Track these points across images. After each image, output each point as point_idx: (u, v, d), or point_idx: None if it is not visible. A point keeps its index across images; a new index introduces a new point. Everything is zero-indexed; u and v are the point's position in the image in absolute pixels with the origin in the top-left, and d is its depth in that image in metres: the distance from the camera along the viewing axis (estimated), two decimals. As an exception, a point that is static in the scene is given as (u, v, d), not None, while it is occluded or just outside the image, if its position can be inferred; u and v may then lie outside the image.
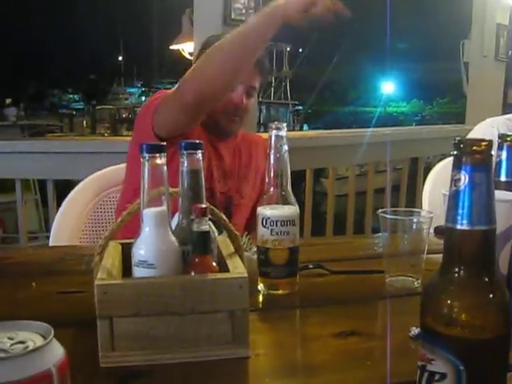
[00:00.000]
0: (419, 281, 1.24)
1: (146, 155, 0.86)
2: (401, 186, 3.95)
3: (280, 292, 1.19)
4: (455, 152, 0.59)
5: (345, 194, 3.76)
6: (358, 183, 3.84)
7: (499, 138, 1.10)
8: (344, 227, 3.60)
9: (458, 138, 0.59)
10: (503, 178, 1.09)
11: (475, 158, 0.58)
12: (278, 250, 1.16)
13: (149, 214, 0.88)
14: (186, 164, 0.92)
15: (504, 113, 4.31)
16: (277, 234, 1.15)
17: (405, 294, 1.20)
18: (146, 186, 0.88)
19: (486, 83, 4.64)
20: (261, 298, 1.19)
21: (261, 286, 1.20)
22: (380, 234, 1.30)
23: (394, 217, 1.23)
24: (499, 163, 1.10)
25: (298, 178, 3.36)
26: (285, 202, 1.18)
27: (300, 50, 29.64)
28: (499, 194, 1.03)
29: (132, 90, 43.07)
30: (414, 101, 39.06)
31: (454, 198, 0.58)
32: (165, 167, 0.87)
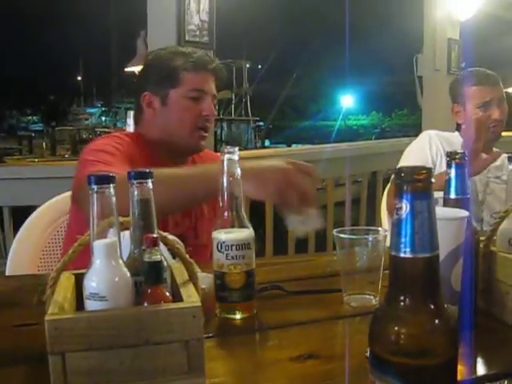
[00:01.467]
0: (377, 298, 1.25)
1: (95, 187, 0.85)
2: (361, 198, 4.00)
3: (238, 316, 1.18)
4: (396, 181, 0.60)
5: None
6: (319, 197, 3.87)
7: (447, 156, 1.12)
8: (306, 241, 3.62)
9: (398, 167, 0.60)
10: (453, 196, 1.11)
11: (415, 187, 0.59)
12: (234, 274, 1.16)
13: (99, 245, 0.87)
14: (135, 193, 0.91)
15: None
16: (232, 258, 1.15)
17: (362, 313, 1.20)
18: (96, 218, 0.87)
19: (439, 96, 4.73)
20: (218, 322, 1.18)
21: (218, 311, 1.19)
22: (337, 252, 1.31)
23: (349, 236, 1.24)
24: (448, 181, 1.11)
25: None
26: (239, 225, 1.18)
27: (259, 67, 29.88)
28: (449, 212, 1.05)
29: (92, 110, 42.66)
30: (373, 113, 39.65)
31: (396, 226, 0.59)
32: (114, 198, 0.87)
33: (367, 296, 1.25)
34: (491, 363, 1.02)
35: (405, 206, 0.58)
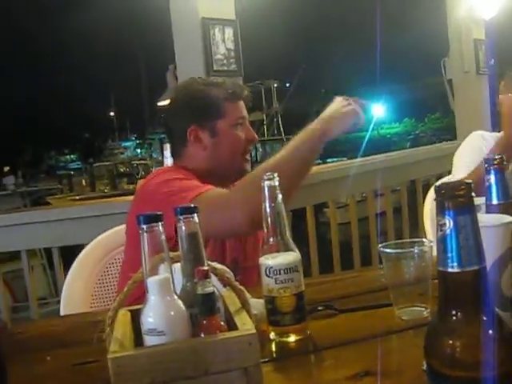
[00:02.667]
0: (428, 310, 1.24)
1: (144, 226, 0.88)
2: (402, 207, 3.98)
3: (291, 339, 1.20)
4: (437, 197, 0.61)
5: (348, 221, 3.78)
6: (360, 209, 3.86)
7: (485, 162, 1.12)
8: (351, 256, 3.61)
9: (438, 184, 0.61)
10: (495, 202, 1.11)
11: (457, 202, 0.60)
12: (284, 298, 1.17)
13: (153, 282, 0.90)
14: (183, 228, 0.94)
15: (494, 122, 4.37)
16: (281, 282, 1.17)
17: (415, 326, 1.20)
18: (147, 255, 0.90)
19: (471, 97, 4.71)
20: (274, 347, 1.20)
21: (272, 335, 1.21)
22: (384, 266, 1.31)
23: (395, 251, 1.25)
24: (489, 187, 1.12)
25: (300, 211, 3.39)
26: (285, 249, 1.19)
27: (287, 85, 29.98)
28: (493, 219, 1.05)
29: (127, 143, 43.38)
30: (406, 120, 39.28)
31: (441, 242, 0.60)
32: (163, 235, 0.90)
33: (418, 308, 1.25)
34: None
35: (448, 222, 0.59)
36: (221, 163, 1.83)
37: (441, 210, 0.60)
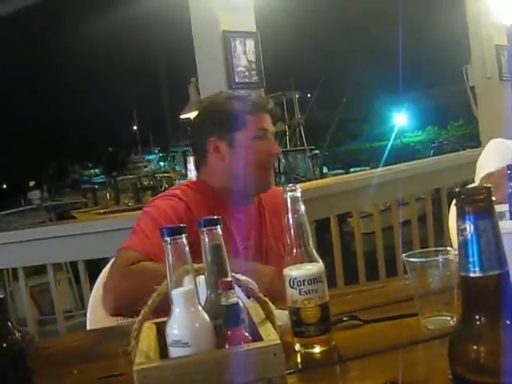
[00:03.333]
0: (454, 318, 1.23)
1: (168, 239, 0.90)
2: (426, 216, 3.95)
3: (316, 350, 1.19)
4: (456, 203, 0.61)
5: (372, 231, 3.76)
6: (384, 219, 3.84)
7: (508, 169, 1.11)
8: (376, 266, 3.58)
9: (457, 189, 0.61)
10: (518, 209, 1.10)
11: (477, 207, 0.60)
12: (308, 309, 1.17)
13: (178, 294, 0.91)
14: (206, 240, 0.95)
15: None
16: (305, 293, 1.17)
17: (441, 335, 1.19)
18: (172, 268, 0.91)
19: (494, 104, 4.66)
20: (299, 358, 1.20)
21: (297, 346, 1.21)
22: (409, 276, 1.31)
23: (419, 260, 1.24)
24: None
25: (324, 222, 3.39)
26: (309, 260, 1.20)
27: (308, 95, 30.01)
28: (517, 225, 1.04)
29: (150, 157, 43.72)
30: (429, 128, 39.02)
31: (463, 247, 0.60)
32: (187, 247, 0.91)
33: (444, 317, 1.24)
34: None
35: (469, 227, 0.59)
36: (239, 175, 1.84)
37: (461, 215, 0.60)
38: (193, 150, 2.00)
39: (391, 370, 1.08)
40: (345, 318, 1.35)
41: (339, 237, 3.46)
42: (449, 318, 1.24)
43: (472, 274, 0.60)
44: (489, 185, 0.61)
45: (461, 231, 0.60)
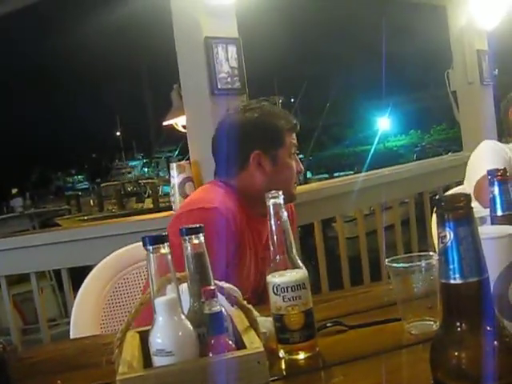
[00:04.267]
0: (438, 323, 1.23)
1: (150, 247, 0.89)
2: (410, 220, 3.97)
3: (301, 356, 1.19)
4: (437, 210, 0.61)
5: (357, 235, 3.77)
6: (368, 223, 3.86)
7: (489, 174, 1.12)
8: (361, 270, 3.59)
9: (437, 197, 0.61)
10: (499, 213, 1.11)
11: (457, 214, 0.60)
12: (292, 316, 1.17)
13: (160, 302, 0.91)
14: (189, 249, 0.95)
15: (500, 131, 4.38)
16: (289, 299, 1.17)
17: (425, 340, 1.20)
18: (154, 276, 0.90)
19: (475, 108, 4.71)
20: (283, 364, 1.20)
21: (281, 353, 1.21)
22: (392, 281, 1.31)
23: (402, 265, 1.25)
24: (493, 199, 1.12)
25: (308, 227, 3.39)
26: (292, 266, 1.20)
27: (292, 100, 30.12)
28: (498, 230, 1.05)
29: (134, 163, 43.56)
30: (412, 132, 39.26)
31: (443, 254, 0.61)
32: (169, 256, 0.90)
33: (427, 322, 1.25)
34: None
35: (449, 234, 0.60)
36: (275, 189, 1.86)
37: (441, 222, 0.61)
38: (223, 158, 1.98)
39: (375, 376, 1.08)
40: (329, 324, 1.35)
41: (323, 242, 3.46)
42: (432, 323, 1.24)
43: (452, 281, 0.60)
44: (469, 192, 0.62)
45: (441, 238, 0.61)
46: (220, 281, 1.26)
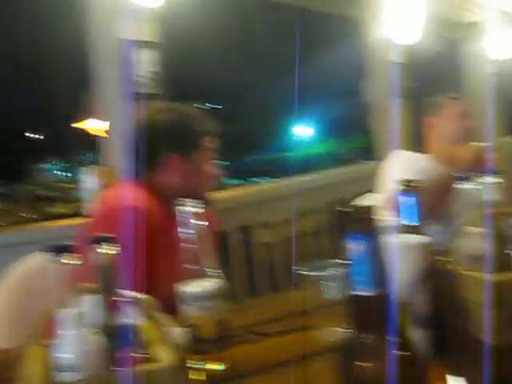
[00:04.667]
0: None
1: (54, 257, 0.85)
2: (324, 227, 4.02)
3: (215, 367, 1.17)
4: (343, 222, 0.61)
5: (274, 242, 3.78)
6: (286, 229, 3.89)
7: (398, 184, 1.14)
8: (278, 277, 3.61)
9: (341, 208, 0.61)
10: (408, 223, 1.13)
11: (361, 226, 0.60)
12: (205, 326, 1.15)
13: (64, 316, 0.86)
14: (98, 258, 0.91)
15: (415, 142, 4.54)
16: (202, 309, 1.15)
17: (339, 347, 1.20)
18: (58, 288, 0.86)
19: (389, 119, 4.84)
20: (195, 376, 1.17)
21: (195, 363, 1.18)
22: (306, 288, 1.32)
23: (314, 273, 1.25)
24: (402, 209, 1.14)
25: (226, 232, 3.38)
26: (206, 275, 1.18)
27: (214, 107, 30.13)
28: (409, 239, 1.08)
29: (48, 166, 42.23)
30: (331, 140, 40.14)
31: (349, 266, 0.60)
32: (75, 265, 0.86)
33: (340, 329, 1.25)
34: (467, 381, 1.03)
35: (353, 246, 0.59)
36: (189, 191, 1.83)
37: (347, 235, 0.60)
38: (139, 157, 1.89)
39: (289, 385, 1.08)
40: (243, 333, 1.34)
41: (243, 248, 3.46)
42: (344, 330, 1.25)
43: (358, 293, 0.60)
44: (373, 204, 0.61)
45: (346, 250, 0.61)
46: (134, 286, 1.23)
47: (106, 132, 2.99)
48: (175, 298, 1.78)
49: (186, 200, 1.18)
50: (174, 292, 1.80)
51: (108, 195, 1.95)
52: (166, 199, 1.82)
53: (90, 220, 1.79)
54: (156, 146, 1.87)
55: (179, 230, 1.18)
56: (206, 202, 1.87)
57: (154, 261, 1.74)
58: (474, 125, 2.58)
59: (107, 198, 1.91)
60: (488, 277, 1.14)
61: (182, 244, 1.18)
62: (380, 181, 2.56)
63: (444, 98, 2.64)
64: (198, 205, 1.19)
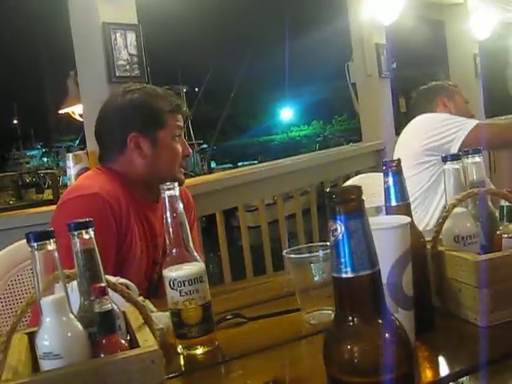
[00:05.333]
0: (336, 312, 1.25)
1: (34, 244, 0.84)
2: (311, 209, 4.04)
3: (199, 351, 1.17)
4: (327, 203, 0.60)
5: (259, 225, 3.79)
6: (271, 212, 3.89)
7: (383, 165, 1.14)
8: (263, 260, 3.61)
9: (328, 189, 0.61)
10: (394, 203, 1.13)
11: (348, 207, 0.59)
12: (190, 310, 1.15)
13: (47, 302, 0.85)
14: (78, 245, 0.90)
15: (397, 123, 4.60)
16: (186, 293, 1.14)
17: (323, 329, 1.20)
18: (40, 275, 0.85)
19: (374, 100, 4.85)
20: (181, 360, 1.17)
21: (180, 348, 1.18)
22: (290, 271, 1.32)
23: (298, 256, 1.25)
24: (387, 189, 1.13)
25: (213, 216, 3.37)
26: (189, 259, 1.17)
27: (196, 90, 30.00)
28: (393, 220, 1.07)
29: (32, 152, 41.87)
30: (314, 122, 40.03)
31: (334, 247, 0.60)
32: (56, 252, 0.85)
33: (326, 311, 1.26)
34: (453, 362, 1.04)
35: (339, 227, 0.59)
36: (157, 172, 1.81)
37: (332, 215, 0.60)
38: (103, 142, 1.91)
39: (274, 368, 1.08)
40: (228, 317, 1.34)
41: (229, 231, 3.45)
42: (330, 312, 1.25)
43: (344, 275, 0.60)
44: (360, 184, 0.61)
45: (332, 232, 0.60)
46: (112, 273, 1.22)
47: (87, 117, 2.96)
48: (154, 282, 1.79)
49: (172, 184, 1.17)
50: (153, 272, 1.80)
51: (76, 182, 1.92)
52: (136, 182, 1.81)
53: (57, 207, 1.77)
54: (119, 128, 1.83)
55: (165, 213, 1.16)
56: (181, 184, 1.85)
57: (129, 244, 1.73)
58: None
59: (74, 185, 1.88)
60: (475, 257, 1.15)
61: (166, 228, 1.17)
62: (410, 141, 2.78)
63: (452, 85, 3.04)
64: (174, 187, 1.17)
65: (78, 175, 2.77)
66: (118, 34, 2.81)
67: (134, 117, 1.83)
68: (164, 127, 1.82)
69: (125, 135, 1.80)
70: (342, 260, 0.59)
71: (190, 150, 1.93)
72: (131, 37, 2.87)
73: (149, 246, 1.80)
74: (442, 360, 1.07)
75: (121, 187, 1.76)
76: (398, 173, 1.13)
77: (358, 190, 0.60)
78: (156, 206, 1.83)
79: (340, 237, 0.59)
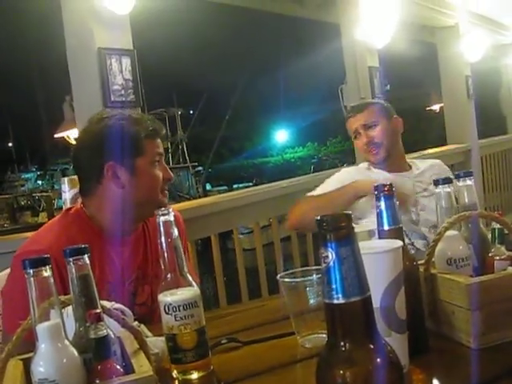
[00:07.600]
0: (330, 336, 1.25)
1: (30, 271, 0.84)
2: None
3: (194, 376, 1.17)
4: (319, 230, 0.61)
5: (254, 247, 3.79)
6: (266, 235, 3.89)
7: (375, 189, 1.15)
8: (259, 282, 3.61)
9: (318, 217, 0.62)
10: (386, 227, 1.14)
11: (338, 234, 0.61)
12: (185, 335, 1.15)
13: (42, 329, 0.86)
14: (73, 271, 0.90)
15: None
16: (181, 318, 1.15)
17: (318, 353, 1.21)
18: (35, 301, 0.85)
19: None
20: (176, 385, 1.17)
21: (175, 373, 1.18)
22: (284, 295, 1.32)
23: (293, 280, 1.26)
24: (380, 213, 1.15)
25: (208, 239, 3.37)
26: (184, 284, 1.18)
27: (191, 112, 30.12)
28: (385, 244, 1.08)
29: (27, 175, 41.83)
30: (309, 144, 40.13)
31: (325, 274, 0.61)
32: (51, 278, 0.86)
33: (321, 335, 1.26)
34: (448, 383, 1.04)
35: (330, 254, 0.60)
36: (137, 201, 1.74)
37: (323, 243, 0.61)
38: (81, 173, 1.84)
39: (269, 393, 1.08)
40: (223, 341, 1.34)
41: (224, 254, 3.46)
42: (325, 336, 1.25)
43: (335, 301, 0.61)
44: (349, 212, 0.62)
45: (323, 259, 0.61)
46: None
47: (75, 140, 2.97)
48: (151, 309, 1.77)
49: (166, 209, 1.18)
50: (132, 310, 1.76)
51: (36, 232, 1.87)
52: (114, 216, 1.74)
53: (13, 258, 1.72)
54: (95, 158, 1.75)
55: (160, 239, 1.17)
56: (156, 206, 1.81)
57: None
58: None
59: (31, 237, 1.83)
60: (468, 280, 1.16)
61: (161, 253, 1.18)
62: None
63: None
64: (168, 212, 1.18)
65: (73, 199, 2.78)
66: (113, 60, 2.84)
67: (109, 145, 1.73)
68: (142, 154, 1.74)
69: (101, 165, 1.73)
70: (334, 286, 0.60)
71: (172, 174, 1.85)
72: (126, 62, 2.90)
73: (124, 283, 1.74)
74: (435, 382, 1.08)
75: (90, 230, 1.72)
76: (390, 197, 1.14)
77: (347, 217, 0.61)
78: (133, 238, 1.79)
79: (331, 263, 0.60)
